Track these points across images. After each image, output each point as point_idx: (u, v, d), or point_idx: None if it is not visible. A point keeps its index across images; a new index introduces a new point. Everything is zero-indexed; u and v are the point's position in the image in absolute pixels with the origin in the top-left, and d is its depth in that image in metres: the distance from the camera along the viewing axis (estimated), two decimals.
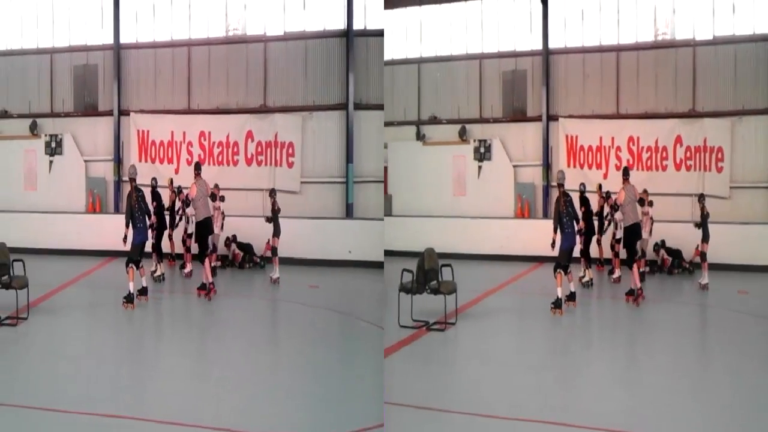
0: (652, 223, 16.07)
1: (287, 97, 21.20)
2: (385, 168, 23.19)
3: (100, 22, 22.67)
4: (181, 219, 16.62)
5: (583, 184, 15.50)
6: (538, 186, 21.88)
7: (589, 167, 21.44)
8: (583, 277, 15.31)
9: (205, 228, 14.11)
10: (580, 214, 14.10)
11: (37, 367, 9.71)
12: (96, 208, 22.51)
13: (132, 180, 13.18)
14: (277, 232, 15.59)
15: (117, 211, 21.60)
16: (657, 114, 20.79)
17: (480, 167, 22.35)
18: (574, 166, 21.48)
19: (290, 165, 21.08)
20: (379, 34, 21.04)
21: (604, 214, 15.85)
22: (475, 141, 22.68)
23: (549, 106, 21.85)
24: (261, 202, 20.42)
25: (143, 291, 13.33)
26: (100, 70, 22.73)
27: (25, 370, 9.54)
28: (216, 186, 16.62)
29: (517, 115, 22.39)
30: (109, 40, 22.45)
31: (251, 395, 8.58)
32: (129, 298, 12.80)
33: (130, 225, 13.06)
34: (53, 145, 22.71)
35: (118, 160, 22.37)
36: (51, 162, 22.69)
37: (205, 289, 13.70)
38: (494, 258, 18.42)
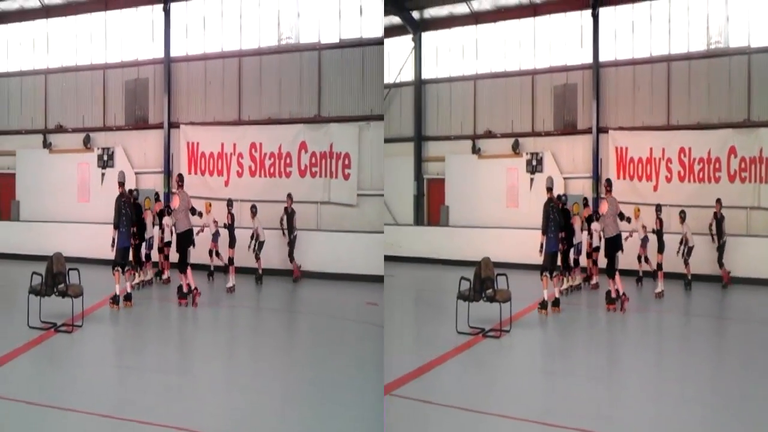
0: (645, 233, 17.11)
1: (343, 106, 21.11)
2: (442, 180, 24.50)
3: (150, 36, 23.32)
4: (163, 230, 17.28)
5: (565, 195, 16.28)
6: (588, 198, 21.84)
7: (639, 179, 21.67)
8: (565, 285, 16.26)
9: (185, 239, 14.73)
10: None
11: (89, 373, 10.22)
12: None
13: (120, 185, 14.02)
14: (232, 243, 16.78)
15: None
16: (710, 124, 20.65)
17: (532, 179, 22.80)
18: (624, 178, 21.81)
19: (346, 177, 20.79)
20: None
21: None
22: (527, 154, 23.34)
23: (599, 118, 22.13)
24: (315, 215, 20.82)
25: (128, 296, 14.16)
26: (150, 84, 23.31)
27: (77, 375, 10.08)
28: (229, 202, 17.96)
29: (567, 128, 22.88)
30: (160, 53, 23.01)
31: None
32: (115, 300, 13.77)
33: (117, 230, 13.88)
34: (105, 158, 23.49)
35: (168, 173, 22.75)
36: (103, 174, 23.42)
37: (185, 298, 14.44)
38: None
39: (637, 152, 21.58)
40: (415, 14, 25.52)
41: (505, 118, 24.01)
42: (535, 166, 23.04)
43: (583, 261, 17.49)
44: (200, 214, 15.70)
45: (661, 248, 16.42)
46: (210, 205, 17.88)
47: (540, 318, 13.81)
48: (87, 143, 23.72)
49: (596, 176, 22.06)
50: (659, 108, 21.43)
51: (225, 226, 17.17)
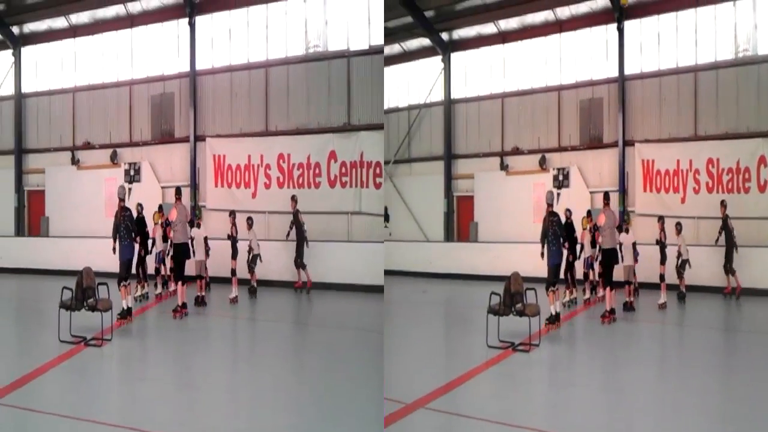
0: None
1: (373, 114, 21.00)
2: (472, 197, 25.03)
3: (176, 50, 23.53)
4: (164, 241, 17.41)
5: (568, 210, 16.59)
6: (614, 212, 21.75)
7: (666, 191, 21.59)
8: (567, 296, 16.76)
9: (181, 251, 15.11)
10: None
11: (118, 387, 10.48)
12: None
13: (121, 200, 14.30)
14: (234, 254, 17.02)
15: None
16: (738, 134, 20.35)
17: (558, 194, 22.73)
18: (651, 191, 21.80)
19: (378, 186, 20.64)
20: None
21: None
22: (554, 169, 23.52)
23: (625, 131, 22.15)
24: (346, 226, 20.87)
25: (127, 312, 14.23)
26: (176, 98, 23.58)
27: (107, 389, 10.30)
28: (231, 214, 17.99)
29: (593, 142, 23.01)
30: (185, 67, 23.23)
31: None
32: (123, 314, 13.91)
33: (118, 241, 14.22)
34: (132, 172, 23.88)
35: (195, 186, 22.95)
36: (130, 189, 23.33)
37: (177, 311, 14.77)
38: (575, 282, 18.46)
39: (664, 164, 21.51)
40: (444, 36, 26.02)
41: (532, 135, 24.27)
42: (561, 181, 23.16)
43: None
44: (198, 225, 16.09)
45: (663, 260, 16.56)
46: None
47: (569, 332, 14.01)
48: (114, 159, 24.12)
49: (623, 189, 22.08)
50: (686, 119, 21.33)
51: (228, 238, 17.43)
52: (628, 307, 16.00)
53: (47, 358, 11.25)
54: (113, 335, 12.47)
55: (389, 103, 28.09)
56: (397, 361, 11.62)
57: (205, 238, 16.55)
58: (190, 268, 15.90)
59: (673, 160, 21.35)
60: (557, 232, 14.09)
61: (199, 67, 23.09)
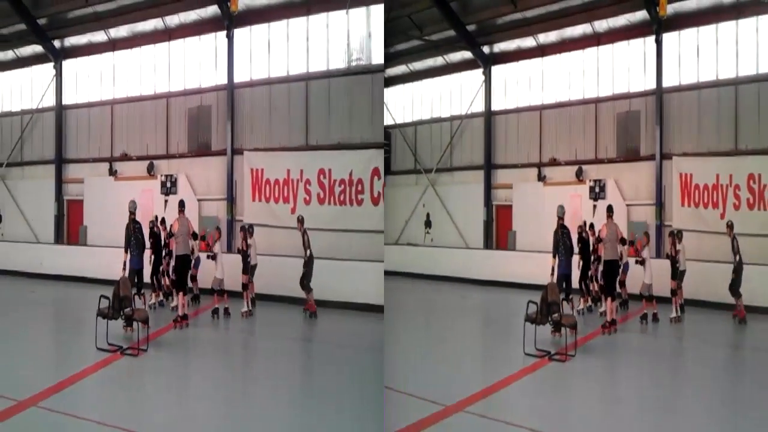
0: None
1: None
2: (510, 206, 25.48)
3: (213, 63, 23.72)
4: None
5: (581, 226, 16.86)
6: (651, 225, 21.94)
7: (705, 206, 21.34)
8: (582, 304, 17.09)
9: (182, 263, 15.45)
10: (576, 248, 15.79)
11: (154, 397, 10.57)
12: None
13: (131, 213, 15.03)
14: (245, 269, 16.84)
15: (230, 250, 21.89)
16: None
17: (595, 206, 22.68)
18: (689, 205, 21.62)
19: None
20: None
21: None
22: (590, 181, 23.57)
23: (662, 144, 22.10)
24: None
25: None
26: (213, 111, 23.76)
27: (143, 398, 10.44)
28: (242, 228, 17.69)
29: (630, 154, 23.02)
30: (223, 80, 23.39)
31: None
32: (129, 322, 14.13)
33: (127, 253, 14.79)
34: (168, 184, 24.09)
35: (232, 200, 23.08)
36: (166, 201, 23.90)
37: (176, 321, 15.05)
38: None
39: (703, 179, 21.28)
40: (486, 49, 26.52)
41: (569, 146, 24.50)
42: (598, 192, 23.21)
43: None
44: (203, 238, 16.42)
45: (674, 274, 16.49)
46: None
47: (605, 344, 14.00)
48: (150, 171, 24.52)
49: (659, 203, 22.07)
50: (726, 132, 21.05)
51: (238, 251, 17.40)
52: (648, 319, 16.20)
53: (84, 365, 11.56)
54: (149, 345, 12.61)
55: (431, 113, 28.84)
56: (436, 363, 12.05)
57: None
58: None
59: (713, 175, 21.06)
60: (567, 245, 14.78)
61: (237, 79, 23.20)
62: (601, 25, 23.28)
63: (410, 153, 29.42)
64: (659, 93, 21.97)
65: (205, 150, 23.88)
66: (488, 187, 26.67)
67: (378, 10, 21.09)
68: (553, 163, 24.87)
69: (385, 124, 29.76)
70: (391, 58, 28.82)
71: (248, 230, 17.42)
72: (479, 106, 27.01)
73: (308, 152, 21.94)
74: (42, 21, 25.68)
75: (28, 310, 18.26)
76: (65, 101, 26.78)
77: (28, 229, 27.34)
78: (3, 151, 28.21)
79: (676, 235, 16.93)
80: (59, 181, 26.72)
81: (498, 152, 26.64)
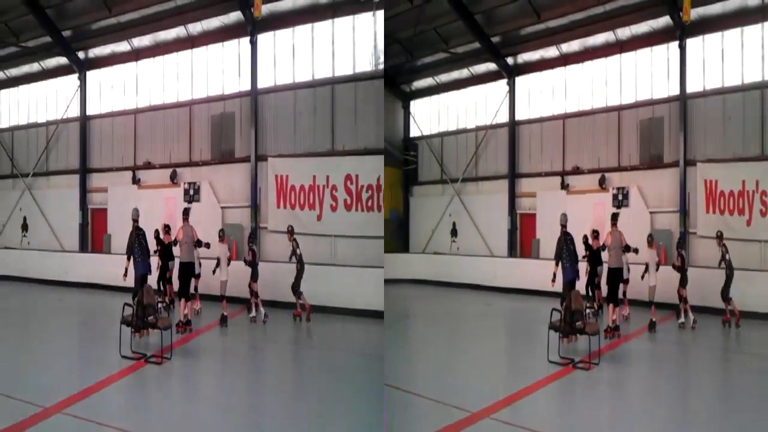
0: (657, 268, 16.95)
1: None
2: (534, 214, 25.79)
3: (237, 69, 23.76)
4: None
5: (585, 235, 16.70)
6: (675, 232, 21.89)
7: (730, 213, 21.14)
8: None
9: (185, 270, 15.81)
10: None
11: (177, 406, 10.58)
12: (233, 255, 22.37)
13: (134, 221, 15.40)
14: (255, 276, 17.09)
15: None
16: None
17: (617, 214, 22.23)
18: (714, 212, 21.44)
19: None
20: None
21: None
22: (613, 189, 23.66)
23: (686, 151, 22.01)
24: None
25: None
26: (236, 117, 23.80)
27: (166, 407, 10.47)
28: (250, 237, 18.02)
29: (654, 161, 22.98)
30: (246, 86, 23.40)
31: None
32: (138, 328, 14.33)
33: (132, 260, 15.20)
34: (191, 192, 24.29)
35: (255, 207, 23.04)
36: (188, 209, 23.43)
37: (179, 326, 15.39)
38: (633, 303, 18.54)
39: (728, 185, 21.11)
40: (510, 60, 26.86)
41: (593, 154, 24.59)
42: (621, 200, 23.24)
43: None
44: (207, 246, 16.46)
45: (684, 282, 16.61)
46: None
47: (629, 352, 14.12)
48: (174, 178, 24.72)
49: (683, 210, 21.96)
50: (753, 138, 20.82)
51: (245, 262, 17.43)
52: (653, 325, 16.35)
53: (109, 373, 11.68)
54: (173, 354, 12.68)
55: (457, 125, 29.27)
56: (461, 370, 12.31)
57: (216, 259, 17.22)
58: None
59: (738, 181, 20.89)
60: (572, 251, 15.14)
61: (261, 85, 23.15)
62: (624, 32, 23.32)
63: (437, 163, 29.79)
64: (683, 99, 21.89)
65: (228, 157, 23.95)
66: (512, 196, 26.94)
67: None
68: (576, 171, 24.97)
69: (411, 135, 30.68)
70: (417, 71, 29.50)
71: (251, 239, 17.95)
72: (503, 117, 27.32)
73: (335, 158, 21.88)
74: (66, 33, 26.06)
75: (54, 318, 18.57)
76: (89, 111, 27.19)
77: (53, 237, 27.84)
78: (29, 161, 28.80)
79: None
80: (83, 190, 27.16)
81: (522, 161, 26.91)
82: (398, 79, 30.19)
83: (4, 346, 14.67)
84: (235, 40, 23.65)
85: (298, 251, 17.38)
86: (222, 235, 17.64)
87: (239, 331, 16.32)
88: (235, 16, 23.12)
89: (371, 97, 21.53)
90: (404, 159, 30.74)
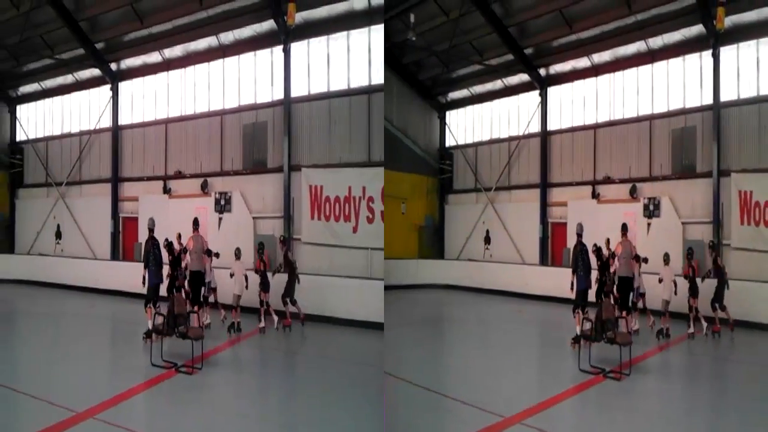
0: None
1: None
2: (565, 223, 25.81)
3: (269, 78, 23.64)
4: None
5: (595, 244, 16.28)
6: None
7: (766, 225, 20.78)
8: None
9: (196, 279, 16.14)
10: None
11: (209, 417, 10.36)
12: (265, 266, 22.24)
13: (150, 231, 15.79)
14: (266, 287, 17.40)
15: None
16: None
17: (649, 224, 22.54)
18: (749, 224, 21.15)
19: None
20: None
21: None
22: (644, 198, 23.52)
23: (720, 160, 21.81)
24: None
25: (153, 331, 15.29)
26: (269, 127, 23.71)
27: (198, 417, 10.32)
28: (260, 248, 17.89)
29: (686, 171, 22.83)
30: (279, 95, 23.25)
31: None
32: (149, 334, 14.73)
33: (146, 269, 15.48)
34: (222, 202, 24.30)
35: (289, 217, 22.88)
36: (220, 219, 24.13)
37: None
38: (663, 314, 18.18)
39: (764, 195, 20.84)
40: (542, 71, 27.09)
41: (624, 164, 24.58)
42: (652, 210, 23.13)
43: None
44: (217, 255, 16.81)
45: (694, 293, 16.83)
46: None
47: (660, 364, 14.05)
48: (204, 188, 24.82)
49: (717, 221, 21.72)
50: None
51: (256, 271, 17.72)
52: (664, 334, 16.53)
53: (139, 380, 11.83)
54: (203, 364, 12.66)
55: (490, 135, 29.62)
56: (492, 376, 12.34)
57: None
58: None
59: None
60: (586, 261, 15.42)
61: (294, 94, 22.99)
62: (656, 41, 23.24)
63: (471, 172, 30.16)
64: (716, 108, 21.70)
65: (260, 167, 23.84)
66: (544, 205, 27.11)
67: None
68: (607, 181, 24.95)
69: (447, 144, 31.12)
70: (453, 83, 29.95)
71: (260, 251, 18.02)
72: (536, 127, 27.56)
73: (371, 168, 21.54)
74: (99, 45, 26.49)
75: (86, 325, 18.88)
76: (121, 122, 27.57)
77: (86, 245, 28.26)
78: (63, 171, 29.39)
79: (692, 255, 17.48)
80: (115, 199, 27.56)
81: (553, 171, 27.06)
82: (434, 90, 30.62)
83: (39, 351, 14.96)
84: (268, 49, 23.56)
85: (292, 261, 17.82)
86: (238, 254, 17.90)
87: (269, 341, 16.37)
88: (267, 25, 23.10)
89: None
90: (440, 168, 31.11)
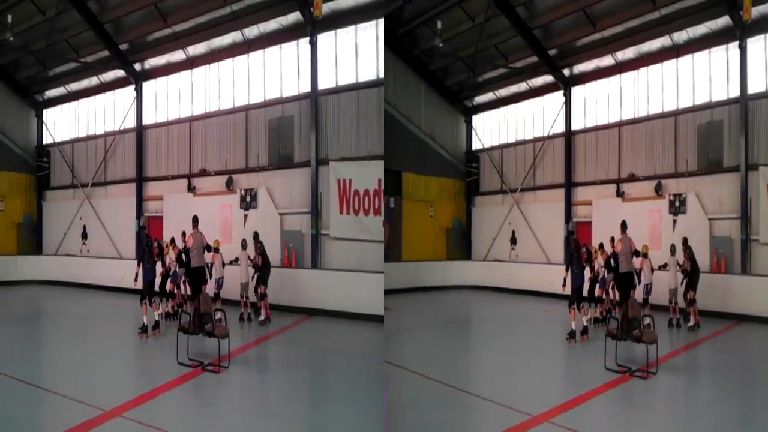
0: (652, 272, 17.89)
1: None
2: (590, 222, 25.67)
3: (296, 72, 23.45)
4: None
5: (584, 244, 16.99)
6: (735, 240, 21.45)
7: None
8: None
9: (197, 275, 16.52)
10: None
11: (235, 416, 10.34)
12: (292, 263, 22.41)
13: (143, 228, 15.09)
14: (264, 280, 17.82)
15: (315, 266, 22.06)
16: None
17: (675, 221, 22.31)
18: None
19: None
20: None
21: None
22: (670, 195, 23.35)
23: (748, 154, 21.53)
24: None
25: (156, 324, 16.08)
26: (295, 121, 23.59)
27: (224, 416, 10.28)
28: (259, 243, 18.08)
29: (712, 166, 22.64)
30: (306, 88, 23.11)
31: None
32: (143, 329, 15.49)
33: (140, 266, 15.95)
34: (248, 198, 24.30)
35: (316, 213, 22.74)
36: (246, 216, 24.19)
37: None
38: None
39: None
40: (566, 71, 27.07)
41: (648, 161, 24.40)
42: (678, 207, 22.95)
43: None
44: (216, 250, 17.26)
45: (693, 285, 17.04)
46: (171, 245, 18.57)
47: (687, 362, 14.00)
48: (229, 185, 24.91)
49: (745, 216, 21.50)
50: None
51: (253, 265, 18.10)
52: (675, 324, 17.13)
53: (166, 379, 11.81)
54: (230, 362, 12.59)
55: (516, 136, 29.74)
56: (520, 374, 12.51)
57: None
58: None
59: None
60: (579, 258, 15.76)
61: (321, 86, 22.80)
62: (681, 36, 23.03)
63: (497, 174, 30.20)
64: (744, 101, 21.45)
65: (286, 162, 23.73)
66: (568, 204, 27.05)
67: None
68: (632, 178, 24.82)
69: (473, 148, 31.27)
70: (478, 87, 30.11)
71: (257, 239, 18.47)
72: (560, 127, 27.55)
73: None
74: (123, 46, 26.74)
75: (112, 323, 19.03)
76: (145, 121, 27.80)
77: (111, 245, 28.52)
78: (88, 172, 29.70)
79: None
80: (140, 199, 27.80)
81: (578, 170, 27.01)
82: (461, 95, 30.79)
83: (67, 350, 15.16)
84: (294, 42, 23.35)
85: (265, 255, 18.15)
86: (244, 244, 18.51)
87: (297, 340, 16.42)
88: (293, 17, 22.94)
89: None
90: (466, 171, 31.26)
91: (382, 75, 21.94)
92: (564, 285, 15.59)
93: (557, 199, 27.38)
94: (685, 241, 17.66)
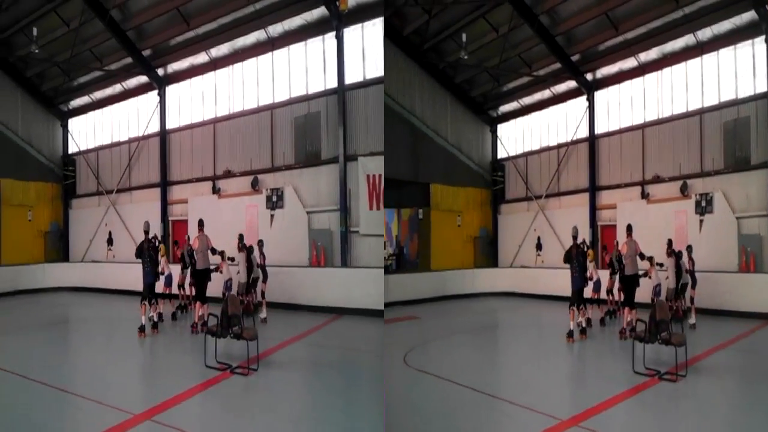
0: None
1: None
2: (614, 226, 25.42)
3: (321, 67, 23.50)
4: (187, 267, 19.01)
5: (584, 241, 17.19)
6: (765, 237, 21.08)
7: None
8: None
9: (202, 276, 16.81)
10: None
11: (264, 419, 10.27)
12: (320, 262, 22.46)
13: (146, 233, 16.68)
14: (264, 278, 18.43)
15: (344, 264, 22.08)
16: None
17: (701, 221, 22.11)
18: None
19: None
20: None
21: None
22: (696, 195, 23.16)
23: None
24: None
25: (155, 325, 16.71)
26: (322, 117, 23.66)
27: (253, 420, 10.20)
28: (260, 243, 19.04)
29: (740, 164, 22.43)
30: (333, 84, 23.14)
31: None
32: (142, 329, 16.07)
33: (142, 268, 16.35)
34: (274, 198, 24.34)
35: (345, 209, 22.67)
36: (272, 216, 24.24)
37: (194, 327, 16.73)
38: (718, 313, 18.58)
39: None
40: (589, 76, 27.10)
41: (673, 161, 24.29)
42: (704, 207, 22.78)
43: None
44: (221, 254, 17.42)
45: (693, 284, 17.68)
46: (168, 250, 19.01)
47: (717, 364, 13.77)
48: (255, 186, 24.95)
49: None
50: None
51: (257, 266, 18.67)
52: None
53: (195, 382, 11.83)
54: (259, 364, 12.59)
55: (540, 143, 29.92)
56: (548, 378, 12.50)
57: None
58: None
59: None
60: (581, 261, 16.29)
61: (348, 81, 22.84)
62: (705, 33, 22.87)
63: (522, 182, 30.36)
64: None
65: (313, 159, 23.76)
66: (593, 209, 27.08)
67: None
68: (657, 180, 24.70)
69: (499, 157, 31.54)
70: (503, 96, 30.32)
71: (259, 243, 19.15)
72: (584, 132, 27.57)
73: None
74: (146, 52, 26.96)
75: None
76: (169, 126, 28.04)
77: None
78: (113, 179, 30.07)
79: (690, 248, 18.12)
80: (164, 203, 28.09)
81: (602, 174, 26.99)
82: (486, 105, 30.94)
83: (95, 354, 15.29)
84: (319, 38, 23.44)
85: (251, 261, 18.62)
86: (242, 246, 18.84)
87: (324, 339, 16.46)
88: (318, 12, 23.01)
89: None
90: (492, 180, 31.43)
91: None
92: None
93: (582, 204, 27.42)
94: (688, 246, 18.13)
